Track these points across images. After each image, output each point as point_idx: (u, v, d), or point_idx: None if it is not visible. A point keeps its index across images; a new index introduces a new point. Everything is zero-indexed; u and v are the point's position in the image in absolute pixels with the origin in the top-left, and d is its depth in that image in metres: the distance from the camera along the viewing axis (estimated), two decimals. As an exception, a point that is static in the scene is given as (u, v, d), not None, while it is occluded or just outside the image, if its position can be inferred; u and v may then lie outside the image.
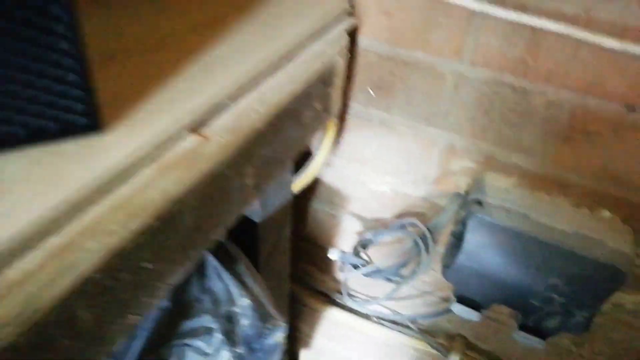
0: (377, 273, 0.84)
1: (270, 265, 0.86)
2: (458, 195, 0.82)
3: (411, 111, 0.78)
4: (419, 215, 0.89)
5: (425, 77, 0.74)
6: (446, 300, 1.01)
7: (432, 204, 0.87)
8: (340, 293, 1.13)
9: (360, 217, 0.97)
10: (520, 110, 0.70)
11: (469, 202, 0.73)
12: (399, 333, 1.10)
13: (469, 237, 0.71)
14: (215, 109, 0.47)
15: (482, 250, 0.72)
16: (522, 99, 0.69)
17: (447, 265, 0.76)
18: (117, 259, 0.38)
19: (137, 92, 0.46)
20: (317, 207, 1.01)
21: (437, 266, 0.92)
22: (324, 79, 0.64)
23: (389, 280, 0.84)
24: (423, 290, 1.02)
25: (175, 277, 0.47)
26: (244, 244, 0.76)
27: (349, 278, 1.02)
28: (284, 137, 0.58)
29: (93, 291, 0.36)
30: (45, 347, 0.35)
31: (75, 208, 0.36)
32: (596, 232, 0.70)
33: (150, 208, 0.40)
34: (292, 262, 1.15)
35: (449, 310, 0.82)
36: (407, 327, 1.10)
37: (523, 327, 0.76)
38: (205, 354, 0.58)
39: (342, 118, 0.83)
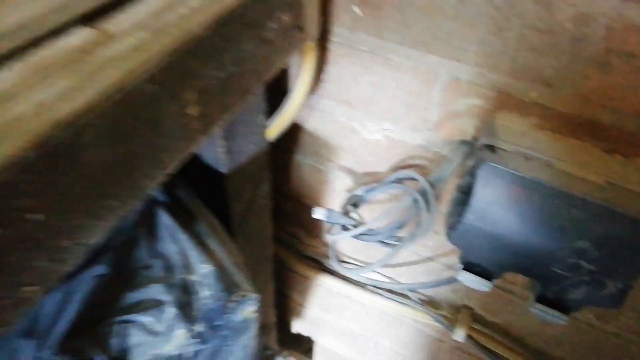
0: (369, 235, 0.71)
1: (247, 227, 0.74)
2: (464, 142, 0.69)
3: (406, 34, 0.63)
4: (419, 168, 0.76)
5: (425, -10, 0.59)
6: (451, 267, 0.88)
7: (434, 153, 0.73)
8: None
9: (351, 172, 0.84)
10: (542, 27, 0.55)
11: (479, 149, 0.59)
12: (397, 303, 0.98)
13: (479, 190, 0.58)
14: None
15: (494, 207, 0.58)
16: (545, 13, 0.54)
17: (452, 226, 0.63)
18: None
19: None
20: (302, 160, 0.88)
21: (441, 228, 0.79)
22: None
23: (384, 243, 0.71)
24: (424, 256, 0.89)
25: (90, 236, 0.34)
26: (212, 201, 0.64)
27: (338, 241, 0.90)
28: (239, 54, 0.44)
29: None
30: None
31: None
32: (635, 184, 0.56)
33: (25, 130, 0.27)
34: (278, 224, 1.03)
35: (454, 280, 0.69)
36: (406, 297, 0.98)
37: (541, 299, 0.63)
38: (155, 333, 0.46)
39: (323, 46, 0.69)
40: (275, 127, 0.68)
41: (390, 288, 0.96)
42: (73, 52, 0.30)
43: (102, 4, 0.32)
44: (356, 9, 0.63)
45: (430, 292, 0.97)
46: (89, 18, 0.31)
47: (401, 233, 0.71)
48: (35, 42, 0.29)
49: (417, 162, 0.75)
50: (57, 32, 0.30)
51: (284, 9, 0.51)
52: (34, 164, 0.27)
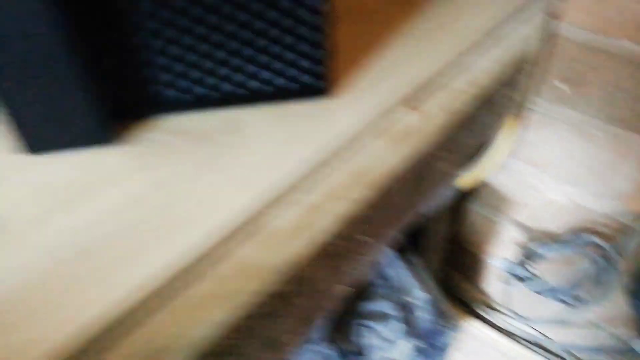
0: (549, 291, 0.76)
1: (424, 263, 0.83)
2: (654, 216, 0.72)
3: (607, 111, 0.69)
4: (598, 234, 0.79)
5: (632, 72, 0.65)
6: (615, 336, 0.89)
7: (615, 222, 0.77)
8: (487, 306, 1.05)
9: (524, 227, 0.89)
10: None
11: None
12: (547, 360, 1.00)
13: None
14: (429, 85, 0.45)
15: (687, 282, 0.61)
16: None
17: (639, 297, 0.66)
18: (342, 226, 0.38)
19: (355, 59, 0.46)
20: (477, 209, 0.95)
21: (614, 295, 0.81)
22: (517, 65, 0.59)
23: (562, 301, 0.76)
24: (586, 319, 0.91)
25: (377, 254, 0.47)
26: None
27: (513, 291, 0.95)
28: (479, 124, 0.55)
29: (325, 254, 0.37)
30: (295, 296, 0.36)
31: (317, 169, 0.37)
32: None
33: (373, 180, 0.40)
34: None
35: (629, 348, 0.71)
36: (558, 355, 0.99)
37: None
38: (385, 340, 0.57)
39: (523, 114, 0.77)
40: (469, 180, 0.77)
41: (542, 344, 0.98)
42: (401, 124, 0.42)
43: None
44: (563, 86, 0.70)
45: (583, 355, 0.97)
46: (408, 99, 0.43)
47: (576, 294, 0.75)
48: (384, 116, 0.42)
49: (596, 227, 0.79)
50: (390, 111, 0.42)
51: (509, 86, 0.60)
52: (371, 200, 0.39)
